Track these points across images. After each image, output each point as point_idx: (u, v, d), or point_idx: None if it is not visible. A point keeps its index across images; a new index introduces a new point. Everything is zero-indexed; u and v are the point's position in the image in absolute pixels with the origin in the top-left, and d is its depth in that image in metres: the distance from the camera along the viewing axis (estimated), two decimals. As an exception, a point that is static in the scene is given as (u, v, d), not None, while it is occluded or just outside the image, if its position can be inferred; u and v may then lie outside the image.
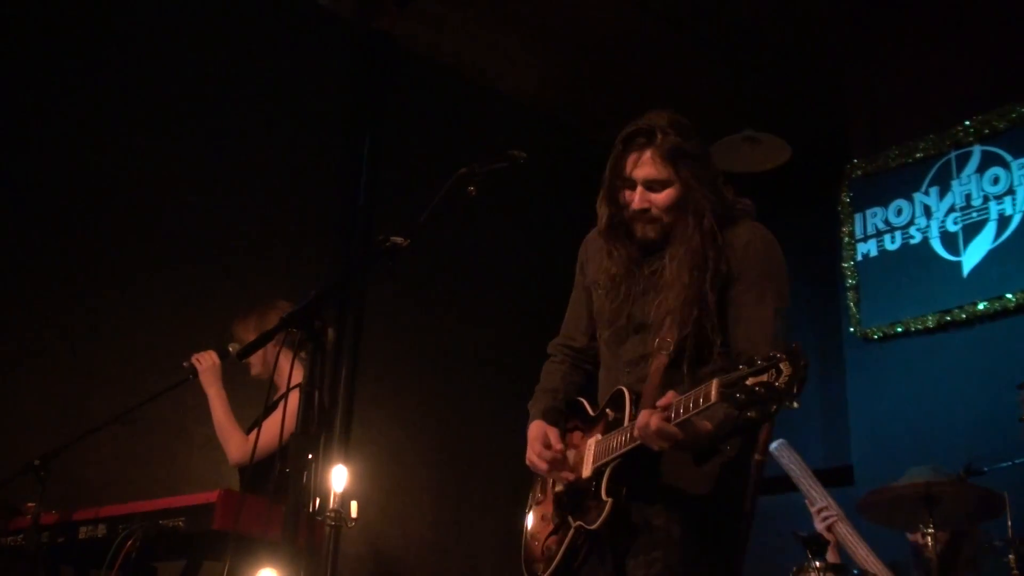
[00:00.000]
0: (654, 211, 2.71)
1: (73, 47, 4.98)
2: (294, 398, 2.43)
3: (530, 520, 2.93)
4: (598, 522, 2.58)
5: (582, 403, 2.89)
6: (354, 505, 4.68)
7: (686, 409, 2.35)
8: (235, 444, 3.95)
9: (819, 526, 4.32)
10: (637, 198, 2.71)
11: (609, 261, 2.80)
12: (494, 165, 2.66)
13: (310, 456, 2.36)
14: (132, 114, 5.12)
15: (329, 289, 2.44)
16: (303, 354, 2.43)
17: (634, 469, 2.60)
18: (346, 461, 4.87)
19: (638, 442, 2.48)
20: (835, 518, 4.26)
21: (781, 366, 2.15)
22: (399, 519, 5.80)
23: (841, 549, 4.30)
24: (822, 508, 4.33)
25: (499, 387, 6.18)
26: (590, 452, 2.70)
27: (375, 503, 5.38)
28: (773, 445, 4.48)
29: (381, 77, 6.12)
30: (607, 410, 2.72)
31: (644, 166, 2.70)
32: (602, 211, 2.82)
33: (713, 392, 2.27)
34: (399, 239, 2.47)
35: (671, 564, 2.55)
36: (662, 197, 2.70)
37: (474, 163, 2.63)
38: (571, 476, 2.70)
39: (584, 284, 2.97)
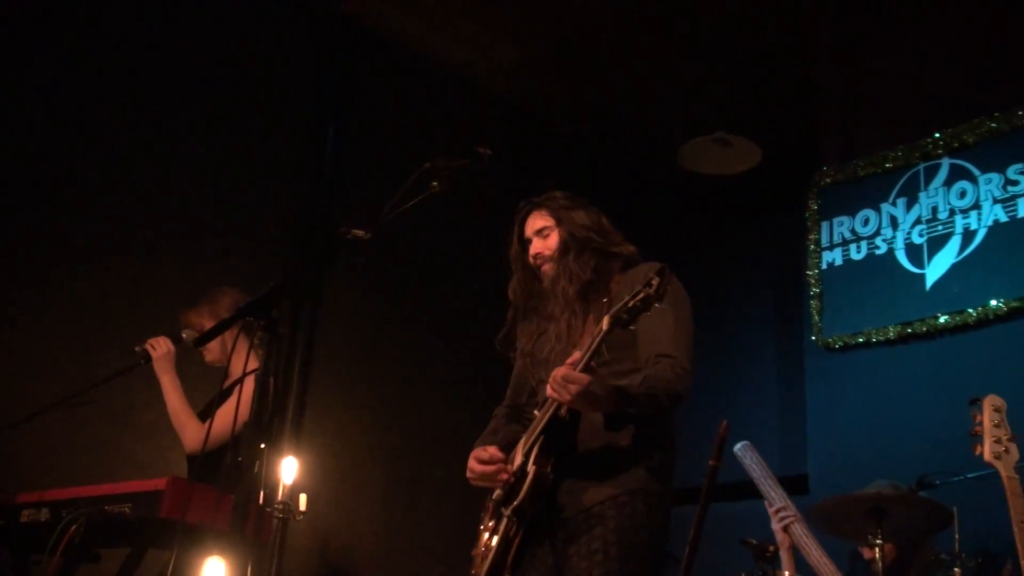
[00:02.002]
0: (546, 252, 3.14)
1: (26, 26, 4.86)
2: (248, 386, 2.41)
3: (479, 541, 3.03)
4: (520, 494, 2.78)
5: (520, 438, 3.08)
6: (303, 498, 4.64)
7: (586, 351, 2.67)
8: (191, 431, 3.91)
9: (776, 526, 4.38)
10: (532, 247, 3.17)
11: (525, 319, 3.20)
12: (459, 162, 2.71)
13: (263, 445, 2.35)
14: (88, 97, 5.01)
15: (288, 279, 2.44)
16: (258, 343, 2.42)
17: (562, 451, 2.83)
18: (296, 453, 4.82)
19: (553, 404, 2.76)
20: (792, 519, 4.31)
21: (652, 281, 2.57)
22: (348, 514, 5.75)
23: (796, 552, 4.33)
24: (780, 509, 4.38)
25: (454, 384, 6.16)
26: (520, 447, 2.92)
27: (324, 497, 5.34)
28: (737, 446, 4.53)
29: (347, 62, 6.06)
30: (535, 411, 2.95)
31: (532, 222, 3.21)
32: (514, 275, 3.25)
33: (605, 323, 2.62)
34: (360, 232, 2.54)
35: (610, 556, 2.74)
36: (549, 242, 3.15)
37: (439, 159, 2.68)
38: (506, 475, 2.90)
39: (519, 355, 3.25)
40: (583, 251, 3.07)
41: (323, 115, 5.89)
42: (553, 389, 2.68)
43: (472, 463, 2.97)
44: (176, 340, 4.02)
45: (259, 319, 2.30)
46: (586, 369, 2.65)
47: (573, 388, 2.63)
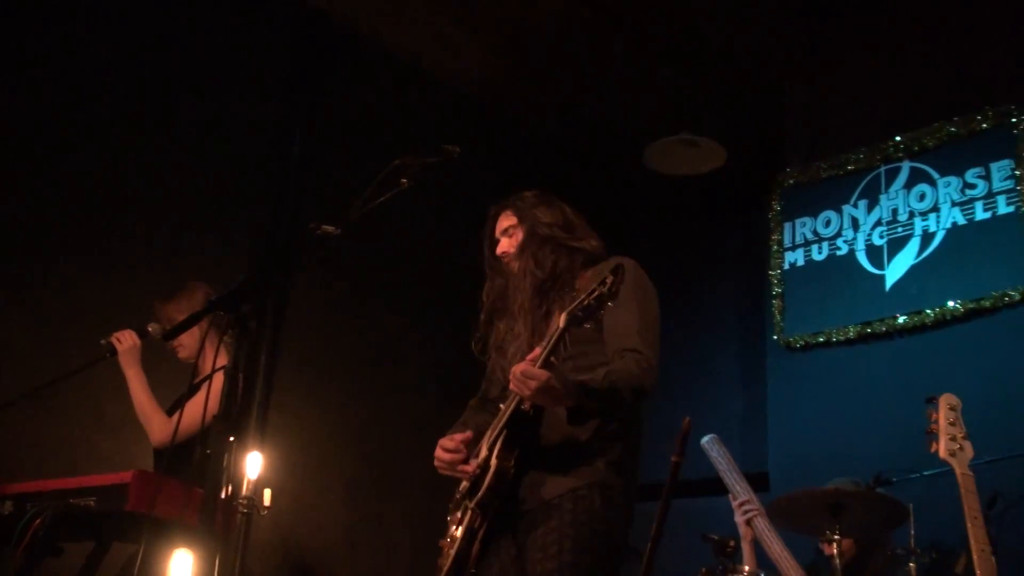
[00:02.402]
0: (512, 251, 3.21)
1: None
2: (218, 381, 2.43)
3: (445, 535, 3.08)
4: (483, 488, 2.82)
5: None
6: (267, 493, 4.65)
7: (544, 347, 2.71)
8: (158, 425, 3.92)
9: (739, 519, 4.45)
10: (500, 247, 3.25)
11: (502, 319, 3.21)
12: (428, 159, 2.74)
13: (232, 439, 2.37)
14: (54, 92, 4.96)
15: (258, 274, 2.47)
16: (228, 338, 2.44)
17: (525, 444, 2.87)
18: (261, 448, 4.82)
19: (516, 399, 2.80)
20: (755, 513, 4.37)
21: (607, 279, 2.63)
22: (312, 510, 5.75)
23: (758, 545, 4.40)
24: (744, 502, 4.46)
25: (421, 382, 6.18)
26: (485, 441, 2.97)
27: (288, 492, 5.35)
28: (705, 439, 4.60)
29: (316, 58, 6.05)
30: (500, 405, 3.00)
31: (500, 224, 3.29)
32: (488, 277, 3.30)
33: (561, 320, 2.67)
34: (330, 228, 2.56)
35: (564, 549, 2.78)
36: (515, 239, 3.22)
37: (408, 155, 2.71)
38: (470, 467, 2.95)
39: (492, 345, 3.28)
40: (543, 247, 3.12)
41: (291, 110, 5.87)
42: (514, 385, 2.73)
43: (438, 451, 3.01)
44: (142, 334, 4.02)
45: (230, 313, 2.32)
46: (545, 365, 2.69)
47: (532, 384, 2.67)
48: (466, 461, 2.97)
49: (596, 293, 2.62)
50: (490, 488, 2.82)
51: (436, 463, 3.02)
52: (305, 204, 5.69)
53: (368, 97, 6.31)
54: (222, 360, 3.42)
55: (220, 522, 2.26)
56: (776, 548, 4.32)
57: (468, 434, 3.01)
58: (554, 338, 2.68)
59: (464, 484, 2.99)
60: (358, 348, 6.11)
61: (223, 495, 2.28)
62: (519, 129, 7.11)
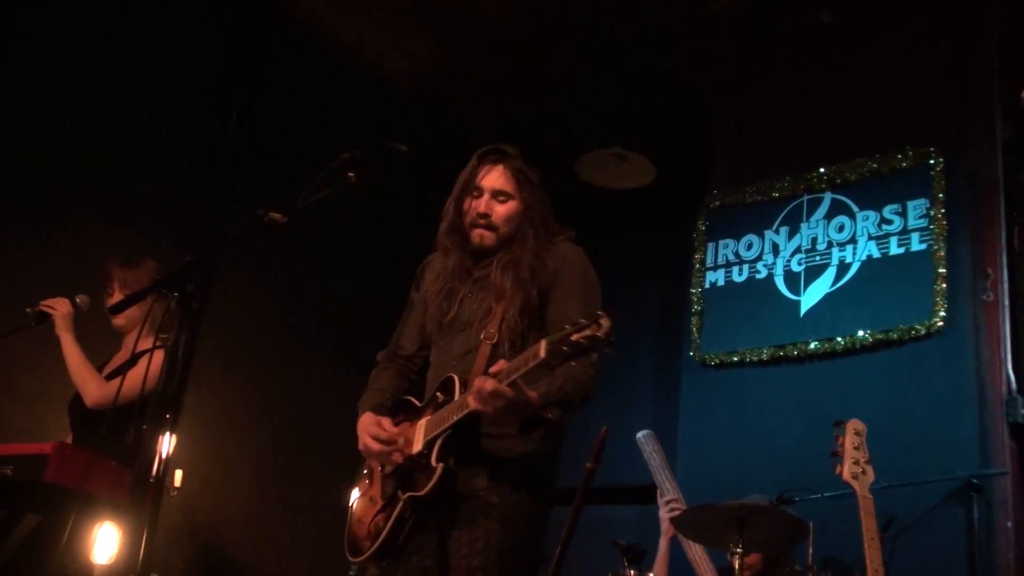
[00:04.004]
0: (494, 218, 3.04)
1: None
2: (157, 358, 2.45)
3: (356, 506, 3.06)
4: (427, 487, 2.76)
5: (409, 400, 3.09)
6: (179, 474, 4.64)
7: (517, 368, 2.60)
8: (95, 386, 3.96)
9: (663, 514, 4.56)
10: (483, 204, 3.04)
11: (442, 266, 3.10)
12: (376, 154, 2.76)
13: (168, 416, 2.39)
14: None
15: (204, 256, 2.48)
16: (168, 316, 2.46)
17: (461, 442, 2.82)
18: (173, 429, 4.78)
19: (470, 409, 2.70)
20: (680, 512, 4.44)
21: (601, 321, 2.47)
22: (221, 494, 5.73)
23: (675, 546, 4.50)
24: (671, 500, 4.55)
25: (335, 370, 6.19)
26: (421, 430, 2.90)
27: (198, 474, 5.32)
28: (641, 434, 4.69)
29: (256, 46, 6.03)
30: (437, 394, 2.94)
31: (494, 178, 3.07)
32: (446, 215, 3.12)
33: (541, 349, 2.52)
34: (278, 215, 2.55)
35: (491, 545, 2.77)
36: (503, 208, 3.05)
37: (356, 150, 2.72)
38: (401, 457, 2.89)
39: (418, 298, 3.21)
40: (530, 237, 3.03)
41: (229, 95, 5.84)
42: (478, 401, 2.66)
43: (367, 439, 2.92)
44: (72, 304, 4.04)
45: (174, 292, 2.34)
46: (512, 384, 2.63)
47: (500, 403, 2.64)
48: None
49: (589, 334, 2.47)
50: (434, 490, 2.77)
51: (361, 448, 2.95)
52: (240, 189, 5.67)
53: (307, 85, 6.31)
54: (150, 337, 3.43)
55: (150, 497, 2.27)
56: (696, 549, 4.41)
57: (396, 432, 2.93)
58: (529, 366, 2.57)
59: (388, 467, 2.94)
60: (275, 336, 6.11)
61: (154, 472, 2.29)
62: (456, 130, 7.15)
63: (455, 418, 2.78)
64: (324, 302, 6.35)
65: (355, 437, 3.02)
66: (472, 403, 2.68)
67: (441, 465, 2.77)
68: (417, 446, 2.88)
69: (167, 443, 4.47)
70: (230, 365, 5.81)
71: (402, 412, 3.06)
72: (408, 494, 2.83)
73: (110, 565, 2.96)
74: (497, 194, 3.05)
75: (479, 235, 3.05)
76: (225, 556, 5.79)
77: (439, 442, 2.81)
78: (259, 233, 2.49)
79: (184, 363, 5.34)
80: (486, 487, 2.83)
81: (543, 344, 2.52)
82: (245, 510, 5.88)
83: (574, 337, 2.48)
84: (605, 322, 2.47)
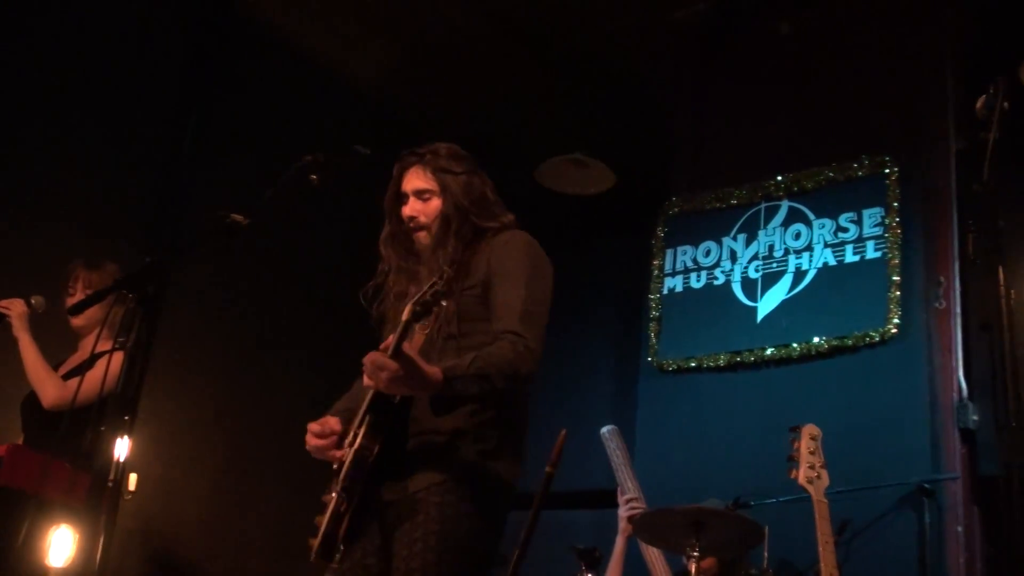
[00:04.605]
0: (422, 219, 3.05)
1: None
2: (116, 360, 2.43)
3: (323, 512, 2.99)
4: (342, 475, 2.72)
5: None
6: (133, 478, 4.60)
7: (395, 338, 2.56)
8: (53, 387, 3.94)
9: (622, 512, 4.56)
10: (408, 207, 3.06)
11: (391, 276, 3.10)
12: (339, 156, 2.75)
13: (127, 418, 2.38)
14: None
15: (163, 257, 2.47)
16: (125, 317, 2.45)
17: (392, 431, 2.76)
18: (129, 432, 4.74)
19: (369, 386, 2.68)
20: (640, 511, 4.46)
21: (444, 274, 2.58)
22: (176, 498, 5.68)
23: (632, 545, 4.52)
24: (632, 499, 4.55)
25: (293, 374, 6.16)
26: (354, 424, 2.84)
27: (153, 477, 5.28)
28: (605, 429, 4.70)
29: (219, 45, 6.00)
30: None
31: (411, 179, 3.09)
32: (386, 226, 3.14)
33: (405, 314, 2.57)
34: (239, 217, 2.54)
35: (428, 547, 2.68)
36: (428, 207, 3.05)
37: (319, 153, 2.71)
38: (340, 453, 2.81)
39: (382, 309, 3.15)
40: (462, 225, 3.02)
41: (187, 99, 5.80)
42: (366, 374, 2.62)
43: (308, 437, 2.87)
44: (27, 304, 4.02)
45: (135, 294, 2.32)
46: (396, 354, 2.55)
47: (383, 375, 2.56)
48: (340, 445, 2.83)
49: (433, 288, 2.57)
50: (348, 475, 2.71)
51: (308, 449, 2.89)
52: (199, 191, 5.63)
53: (267, 87, 6.28)
54: (108, 339, 3.41)
55: (107, 500, 2.26)
56: (653, 551, 4.44)
57: (334, 427, 2.87)
58: (399, 330, 2.55)
59: (335, 464, 2.87)
60: (234, 340, 6.06)
61: (112, 476, 2.27)
62: (416, 134, 7.11)
63: (368, 398, 2.75)
64: (283, 306, 6.31)
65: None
66: (366, 380, 2.65)
67: (352, 450, 2.71)
68: (348, 439, 2.82)
69: (123, 446, 4.47)
70: (188, 368, 5.76)
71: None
72: (337, 487, 2.75)
73: (65, 569, 2.93)
74: (419, 194, 3.07)
75: (417, 237, 3.08)
76: (180, 560, 5.74)
77: (363, 428, 2.75)
78: (220, 235, 2.47)
79: (142, 365, 5.32)
80: (426, 487, 2.74)
81: (407, 308, 2.58)
82: (201, 514, 5.83)
83: (426, 295, 2.56)
84: (447, 274, 2.60)
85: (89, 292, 4.01)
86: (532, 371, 2.80)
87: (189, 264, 5.20)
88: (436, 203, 3.05)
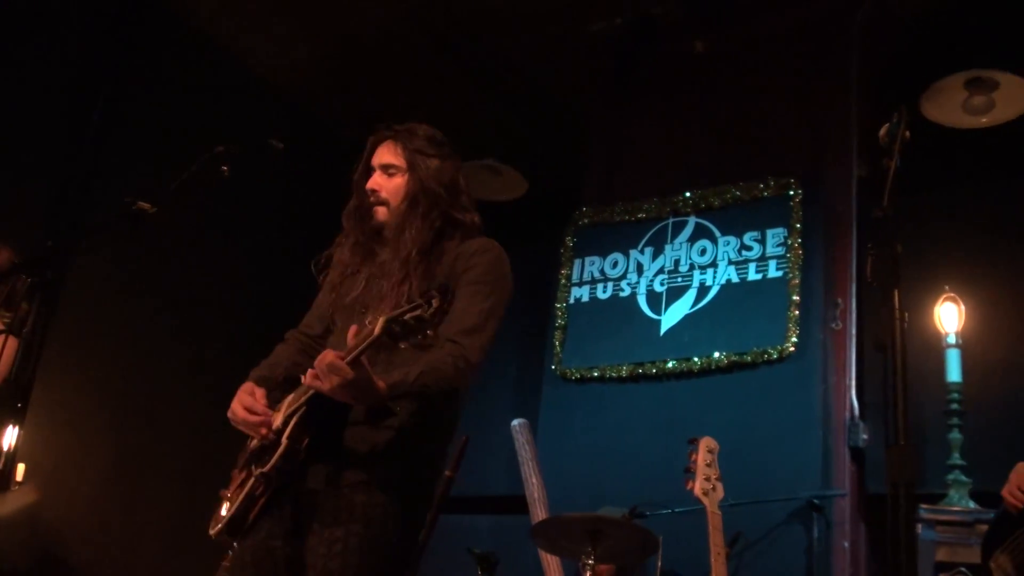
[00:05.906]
0: (382, 193, 2.99)
1: None
2: (10, 346, 2.36)
3: (228, 485, 2.93)
4: (269, 464, 2.66)
5: (298, 377, 2.88)
6: (21, 468, 4.46)
7: (356, 346, 2.50)
8: None
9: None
10: (371, 181, 3.01)
11: (346, 248, 3.03)
12: (251, 150, 2.71)
13: (19, 405, 2.32)
14: None
15: (63, 243, 2.42)
16: (17, 302, 2.39)
17: (323, 425, 2.70)
18: (20, 420, 4.61)
19: (310, 385, 2.60)
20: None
21: (433, 301, 2.45)
22: (66, 490, 5.54)
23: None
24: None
25: (193, 370, 6.06)
26: (284, 406, 2.78)
27: (42, 470, 5.14)
28: (516, 422, 4.72)
29: (129, 32, 5.87)
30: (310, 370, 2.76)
31: (381, 153, 3.04)
32: (352, 200, 3.06)
33: (377, 327, 2.46)
34: (147, 205, 2.49)
35: (349, 548, 2.63)
36: (391, 183, 3.00)
37: (231, 144, 2.68)
38: (265, 430, 2.75)
39: (327, 281, 3.11)
40: (431, 210, 2.96)
41: (95, 83, 5.65)
42: (317, 375, 2.53)
43: (237, 406, 2.78)
44: None
45: (34, 278, 2.26)
46: (354, 363, 2.50)
47: (335, 379, 2.49)
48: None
49: (418, 313, 2.44)
50: (275, 467, 2.66)
51: (230, 415, 2.79)
52: (105, 178, 5.50)
53: (180, 77, 6.17)
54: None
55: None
56: (550, 557, 4.47)
57: (265, 409, 2.77)
58: (367, 342, 2.47)
59: (254, 442, 2.82)
60: (134, 331, 5.93)
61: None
62: (331, 134, 7.09)
63: (305, 396, 2.68)
64: (185, 300, 6.19)
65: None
66: (310, 379, 2.57)
67: (285, 443, 2.66)
68: (277, 422, 2.75)
69: (12, 435, 4.34)
70: (84, 357, 5.61)
71: (290, 389, 2.89)
72: (258, 470, 2.70)
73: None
74: (385, 168, 3.03)
75: (375, 211, 3.01)
76: (68, 554, 5.59)
77: (294, 419, 2.69)
78: (125, 222, 2.42)
79: (37, 352, 5.19)
80: (352, 483, 2.69)
81: (380, 321, 2.47)
82: (91, 507, 5.69)
83: (406, 316, 2.45)
84: (436, 303, 2.45)
85: None
86: (467, 386, 2.84)
87: (91, 251, 5.15)
88: (400, 180, 3.00)
